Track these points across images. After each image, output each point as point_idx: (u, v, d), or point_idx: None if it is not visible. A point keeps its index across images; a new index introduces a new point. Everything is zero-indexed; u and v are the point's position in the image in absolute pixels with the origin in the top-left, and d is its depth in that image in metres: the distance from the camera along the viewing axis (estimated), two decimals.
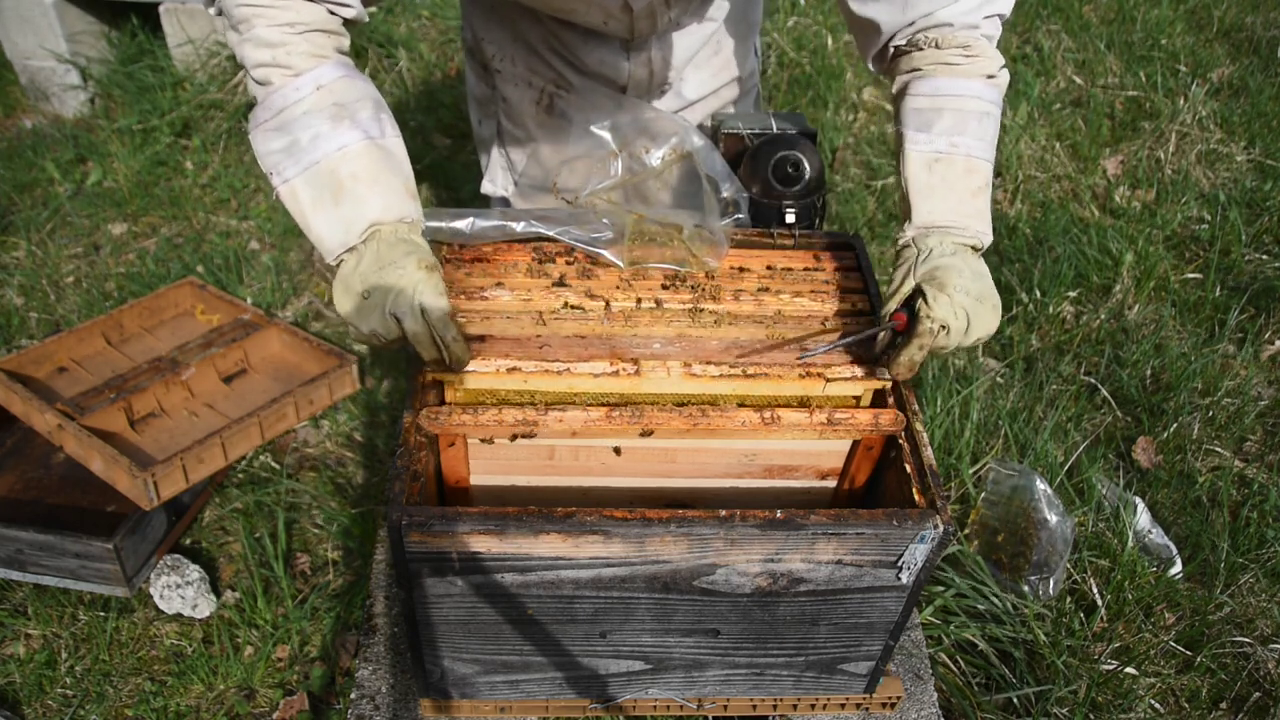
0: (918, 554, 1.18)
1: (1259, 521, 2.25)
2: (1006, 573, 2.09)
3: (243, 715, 1.92)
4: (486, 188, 1.92)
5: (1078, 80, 4.00)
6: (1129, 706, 1.88)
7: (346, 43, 1.25)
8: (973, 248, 1.27)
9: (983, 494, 2.18)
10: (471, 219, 1.40)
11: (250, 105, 3.74)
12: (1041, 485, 2.10)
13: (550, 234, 1.41)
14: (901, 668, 1.63)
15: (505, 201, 1.90)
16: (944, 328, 1.19)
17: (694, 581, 1.20)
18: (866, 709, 1.49)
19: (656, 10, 1.55)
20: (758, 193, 1.55)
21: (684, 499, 1.40)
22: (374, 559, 1.80)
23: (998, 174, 3.51)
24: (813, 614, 1.27)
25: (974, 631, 1.98)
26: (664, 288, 1.41)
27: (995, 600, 2.02)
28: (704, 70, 1.78)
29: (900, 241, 1.29)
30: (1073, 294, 2.95)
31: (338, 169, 1.17)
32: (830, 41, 4.05)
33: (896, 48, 1.36)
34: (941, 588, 2.04)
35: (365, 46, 3.89)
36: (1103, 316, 2.87)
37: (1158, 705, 1.91)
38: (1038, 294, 2.92)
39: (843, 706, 1.47)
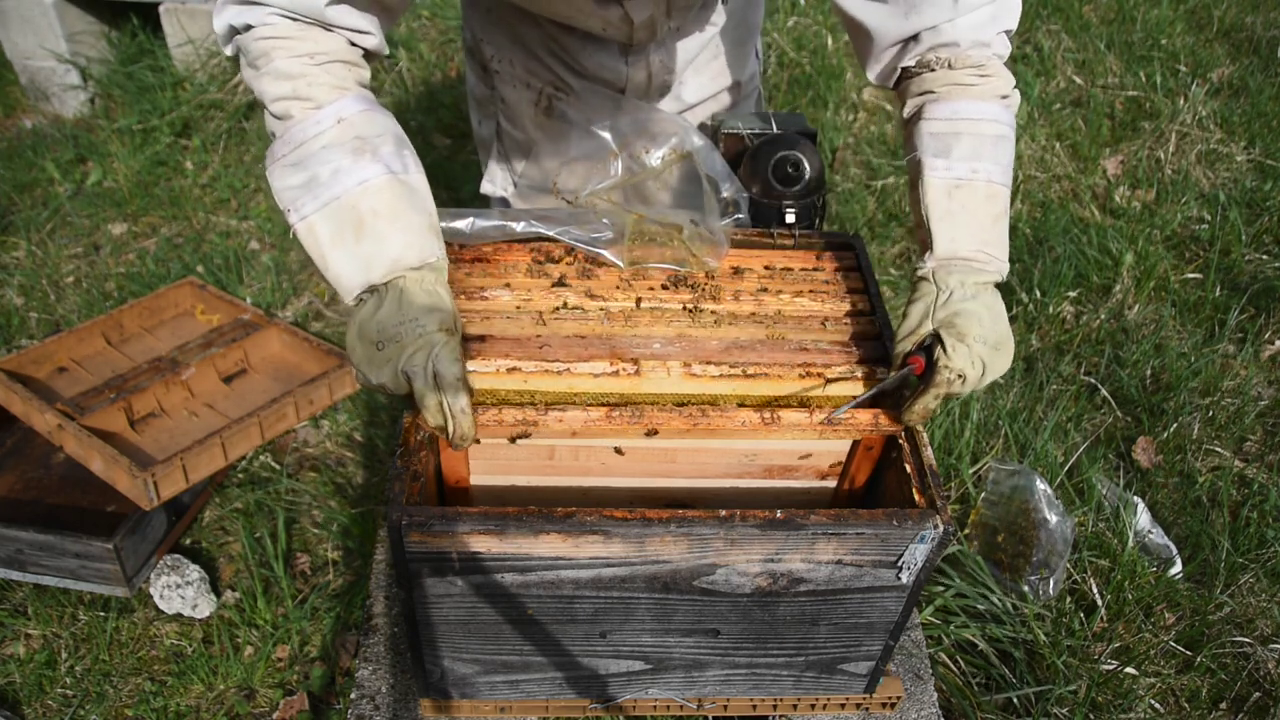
0: (918, 554, 1.18)
1: (1259, 521, 2.25)
2: (1006, 573, 2.09)
3: (243, 715, 1.92)
4: (486, 188, 1.91)
5: (1078, 80, 4.00)
6: (1129, 706, 1.88)
7: (367, 75, 1.22)
8: (992, 283, 1.23)
9: (983, 494, 2.18)
10: (471, 219, 1.40)
11: (251, 105, 3.75)
12: (1041, 485, 2.10)
13: (550, 234, 1.41)
14: (901, 668, 1.63)
15: (505, 202, 1.90)
16: (961, 377, 1.16)
17: (694, 581, 1.19)
18: (866, 709, 1.49)
19: (657, 21, 1.55)
20: (758, 193, 1.55)
21: (684, 499, 1.40)
22: (374, 559, 1.80)
23: None
24: (813, 614, 1.27)
25: (974, 631, 1.98)
26: (664, 288, 1.41)
27: (995, 600, 2.02)
28: (703, 74, 1.78)
29: (919, 272, 1.24)
30: (1073, 294, 2.95)
31: (359, 204, 1.13)
32: (830, 41, 4.05)
33: (905, 69, 1.31)
34: (941, 588, 2.04)
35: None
36: (1103, 316, 2.87)
37: (1158, 705, 1.91)
38: (1038, 294, 2.92)
39: (843, 706, 1.47)
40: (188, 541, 2.25)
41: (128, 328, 2.63)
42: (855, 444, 1.32)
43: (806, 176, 1.53)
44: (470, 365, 1.25)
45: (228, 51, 1.19)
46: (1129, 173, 3.56)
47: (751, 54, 1.86)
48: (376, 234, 1.13)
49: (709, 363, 1.30)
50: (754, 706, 1.45)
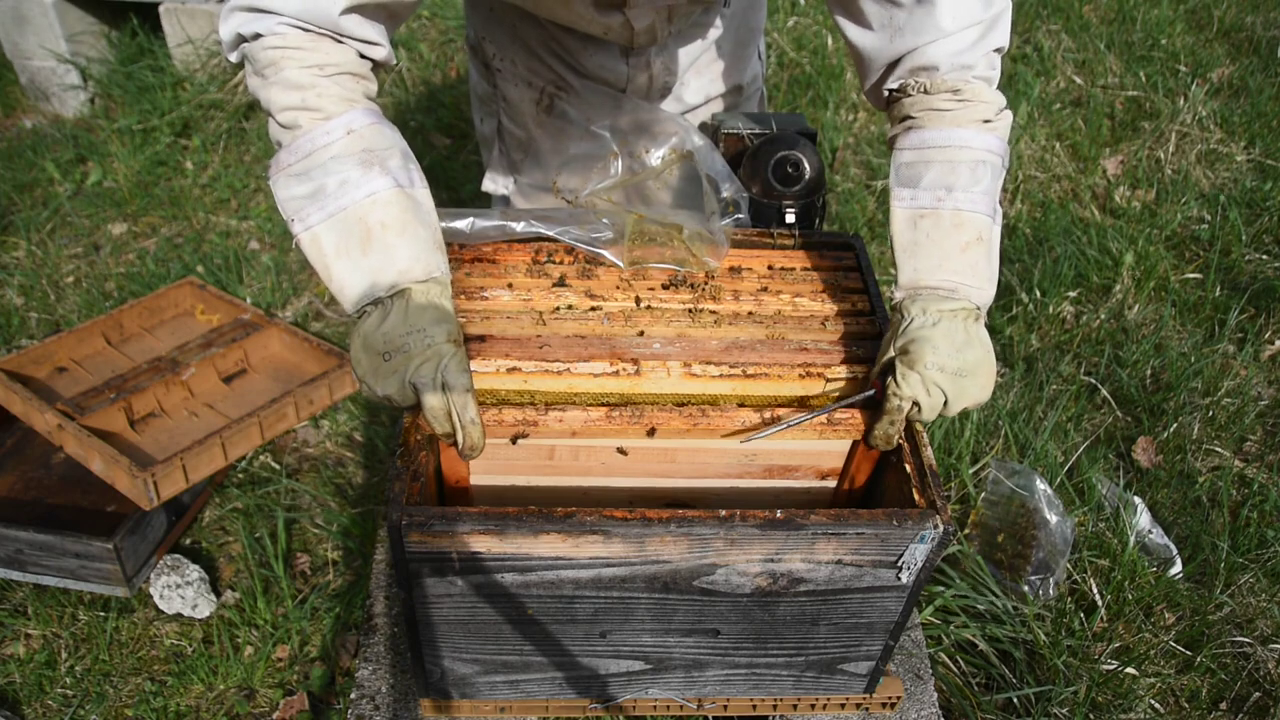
0: (918, 554, 1.18)
1: (1259, 521, 2.25)
2: (1006, 573, 2.09)
3: (243, 715, 1.92)
4: (488, 186, 1.92)
5: (1078, 80, 4.00)
6: (1129, 706, 1.88)
7: (374, 88, 1.22)
8: (966, 310, 1.20)
9: (983, 494, 2.18)
10: (471, 219, 1.40)
11: (252, 106, 3.75)
12: (1041, 485, 2.10)
13: (550, 234, 1.41)
14: (901, 668, 1.63)
15: (506, 200, 1.90)
16: (915, 405, 1.17)
17: (694, 581, 1.19)
18: (866, 709, 1.49)
19: (658, 27, 1.55)
20: (758, 193, 1.55)
21: (684, 499, 1.40)
22: (374, 559, 1.80)
23: None
24: (813, 614, 1.27)
25: (974, 631, 1.98)
26: (664, 288, 1.41)
27: (995, 600, 2.02)
28: (705, 75, 1.78)
29: (892, 302, 1.25)
30: (1073, 294, 2.95)
31: (367, 216, 1.12)
32: (830, 41, 4.05)
33: (890, 92, 1.30)
34: (941, 588, 2.04)
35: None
36: (1103, 316, 2.87)
37: (1158, 705, 1.91)
38: (1038, 294, 2.92)
39: (843, 706, 1.47)
40: (188, 541, 2.25)
41: (128, 328, 2.63)
42: (855, 444, 1.32)
43: (806, 176, 1.53)
44: (470, 365, 1.25)
45: (232, 58, 1.18)
46: (1129, 173, 3.56)
47: (754, 55, 1.86)
48: (384, 246, 1.12)
49: (709, 363, 1.30)
50: (754, 706, 1.45)
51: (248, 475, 2.41)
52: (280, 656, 2.02)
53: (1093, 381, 2.63)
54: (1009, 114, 1.27)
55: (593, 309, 1.36)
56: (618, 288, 1.40)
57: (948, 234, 1.21)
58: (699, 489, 1.39)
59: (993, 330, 2.87)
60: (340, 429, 2.53)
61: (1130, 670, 1.92)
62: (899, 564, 1.19)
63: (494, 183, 1.90)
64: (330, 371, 2.45)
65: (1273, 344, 2.80)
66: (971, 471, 2.31)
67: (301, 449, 2.49)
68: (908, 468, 1.22)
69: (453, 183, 3.45)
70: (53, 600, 2.09)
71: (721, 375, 1.28)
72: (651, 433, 1.23)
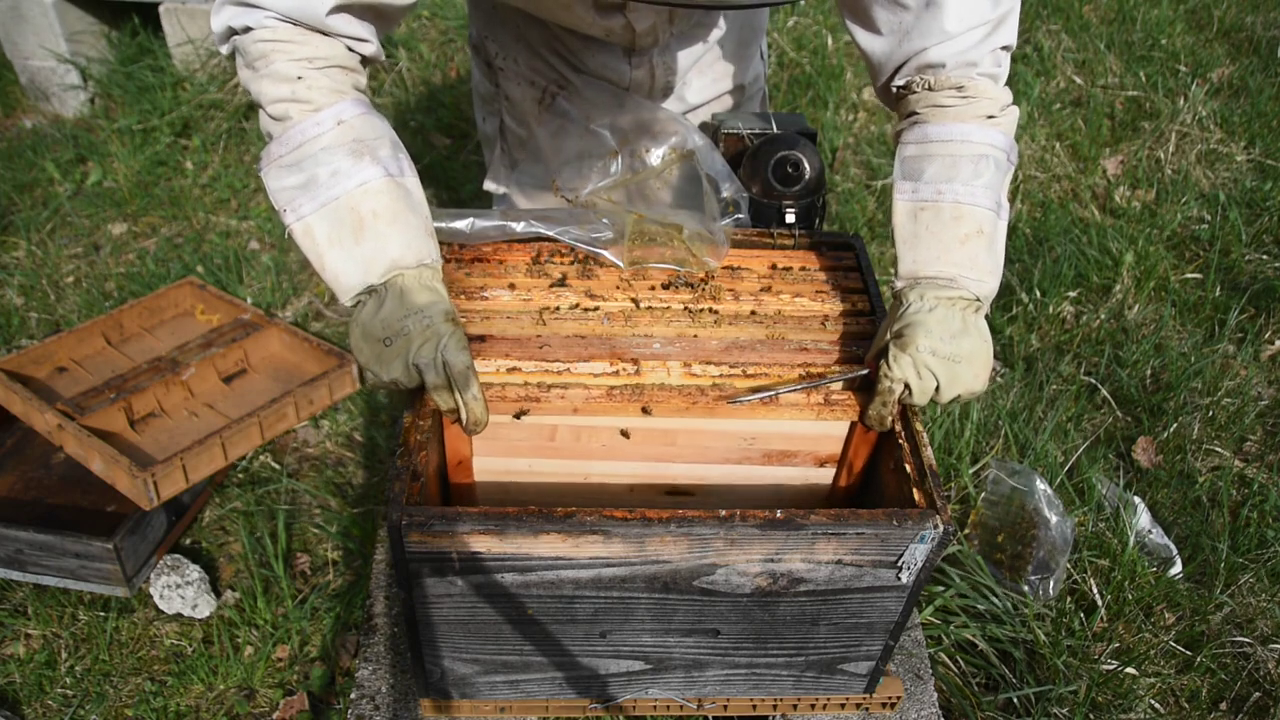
0: (918, 554, 1.18)
1: (1259, 521, 2.25)
2: (1006, 573, 2.09)
3: (243, 715, 1.92)
4: (489, 185, 1.92)
5: (1078, 80, 4.00)
6: (1129, 706, 1.88)
7: (364, 80, 1.23)
8: (965, 300, 1.22)
9: (983, 494, 2.18)
10: (471, 219, 1.40)
11: (251, 107, 3.75)
12: (1041, 485, 2.10)
13: (550, 234, 1.41)
14: (901, 668, 1.63)
15: (508, 199, 1.91)
16: (906, 387, 1.19)
17: (694, 581, 1.20)
18: (866, 709, 1.49)
19: (659, 28, 1.55)
20: (758, 193, 1.55)
21: (684, 485, 1.41)
22: (374, 559, 1.80)
23: None
24: (813, 614, 1.27)
25: (974, 631, 1.98)
26: (664, 288, 1.41)
27: (995, 600, 2.02)
28: (706, 75, 1.78)
29: (892, 292, 1.28)
30: (1073, 294, 2.95)
31: (359, 205, 1.14)
32: (830, 41, 4.05)
33: (898, 89, 1.32)
34: (941, 588, 2.04)
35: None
36: (1103, 316, 2.87)
37: (1158, 705, 1.91)
38: (1038, 294, 2.92)
39: (843, 706, 1.47)
40: (188, 541, 2.25)
41: (128, 328, 2.63)
42: (853, 426, 1.32)
43: (806, 176, 1.53)
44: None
45: (224, 51, 1.19)
46: (1129, 173, 3.56)
47: (756, 55, 1.86)
48: (376, 235, 1.14)
49: (709, 363, 1.30)
50: (754, 706, 1.45)
51: (248, 475, 2.41)
52: (280, 656, 2.02)
53: (1093, 381, 2.63)
54: (1015, 110, 1.28)
55: (593, 309, 1.36)
56: (618, 288, 1.40)
57: (947, 226, 1.22)
58: (699, 475, 1.40)
59: (993, 330, 2.86)
60: (340, 429, 2.53)
61: (1130, 670, 1.92)
62: (899, 564, 1.19)
63: (496, 182, 1.90)
64: (330, 371, 2.45)
65: (1273, 344, 2.80)
66: (971, 471, 2.31)
67: (301, 449, 2.49)
68: (908, 468, 1.22)
69: (453, 183, 3.45)
70: (53, 600, 2.09)
71: (721, 375, 1.29)
72: (647, 411, 1.24)
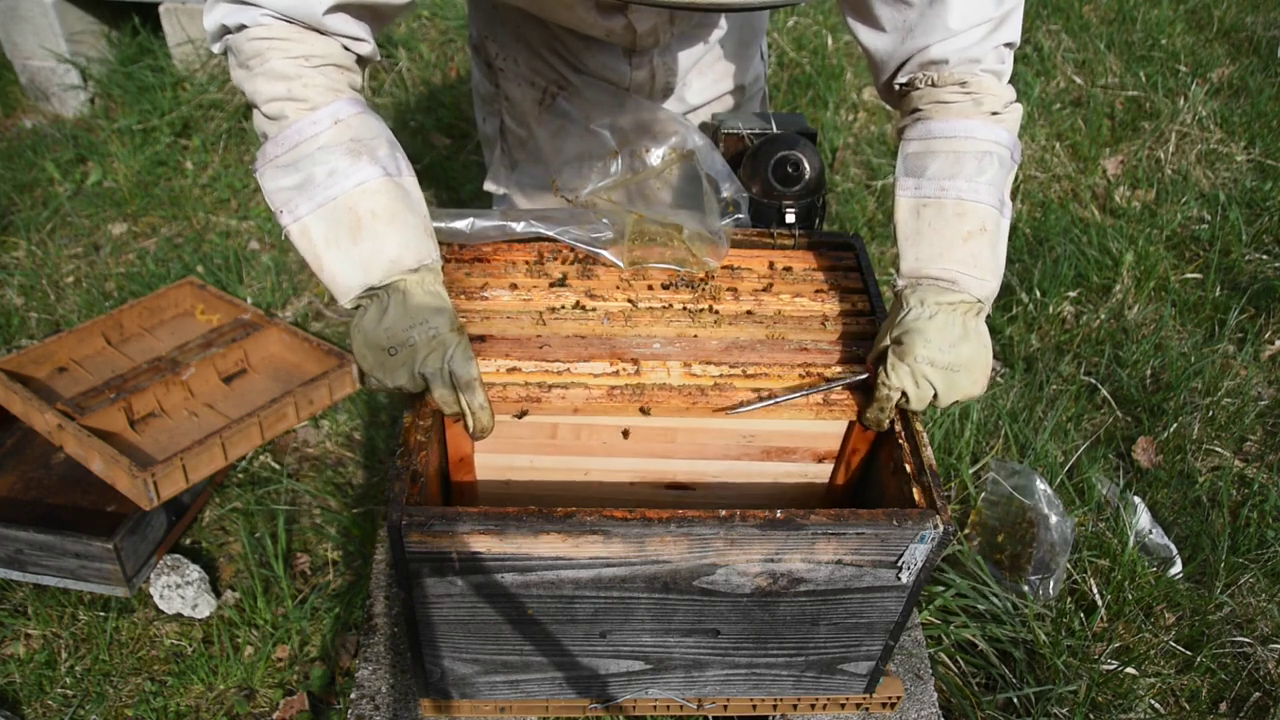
0: (918, 554, 1.18)
1: (1259, 521, 2.25)
2: (1006, 573, 2.09)
3: (243, 715, 1.92)
4: (489, 185, 1.92)
5: (1078, 80, 4.00)
6: (1129, 706, 1.88)
7: (359, 79, 1.22)
8: (966, 304, 1.20)
9: (983, 494, 2.18)
10: (471, 219, 1.40)
11: (250, 109, 3.74)
12: (1041, 485, 2.10)
13: (550, 234, 1.41)
14: (901, 668, 1.63)
15: (508, 199, 1.90)
16: (903, 395, 1.19)
17: (694, 581, 1.20)
18: (866, 709, 1.49)
19: (660, 29, 1.55)
20: (758, 193, 1.55)
21: (684, 481, 1.41)
22: (374, 559, 1.80)
23: None
24: (813, 614, 1.27)
25: (974, 631, 1.98)
26: (664, 288, 1.41)
27: (995, 600, 2.02)
28: (707, 75, 1.78)
29: (894, 290, 1.26)
30: (1073, 294, 2.95)
31: (357, 205, 1.12)
32: (830, 41, 4.05)
33: (900, 86, 1.31)
34: (941, 588, 2.04)
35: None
36: (1103, 316, 2.87)
37: (1158, 705, 1.91)
38: (1038, 294, 2.92)
39: (843, 706, 1.47)
40: (188, 541, 2.25)
41: (128, 328, 2.63)
42: (851, 425, 1.32)
43: (806, 176, 1.53)
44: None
45: (216, 49, 1.18)
46: (1129, 173, 3.56)
47: (756, 56, 1.86)
48: (374, 235, 1.13)
49: (709, 363, 1.30)
50: (754, 706, 1.45)
51: (248, 475, 2.41)
52: (280, 656, 2.02)
53: (1093, 381, 2.63)
54: (1019, 108, 1.27)
55: (593, 309, 1.36)
56: (618, 288, 1.40)
57: (950, 223, 1.21)
58: (699, 471, 1.40)
59: (993, 330, 2.87)
60: (340, 429, 2.53)
61: (1130, 670, 1.92)
62: (899, 564, 1.19)
63: (496, 182, 1.90)
64: (330, 371, 2.45)
65: (1273, 344, 2.80)
66: (971, 471, 2.31)
67: (301, 449, 2.49)
68: (908, 468, 1.22)
69: (453, 183, 3.45)
70: (53, 600, 2.09)
71: (721, 375, 1.29)
72: (645, 410, 1.24)
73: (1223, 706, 1.95)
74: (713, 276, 1.43)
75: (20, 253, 3.18)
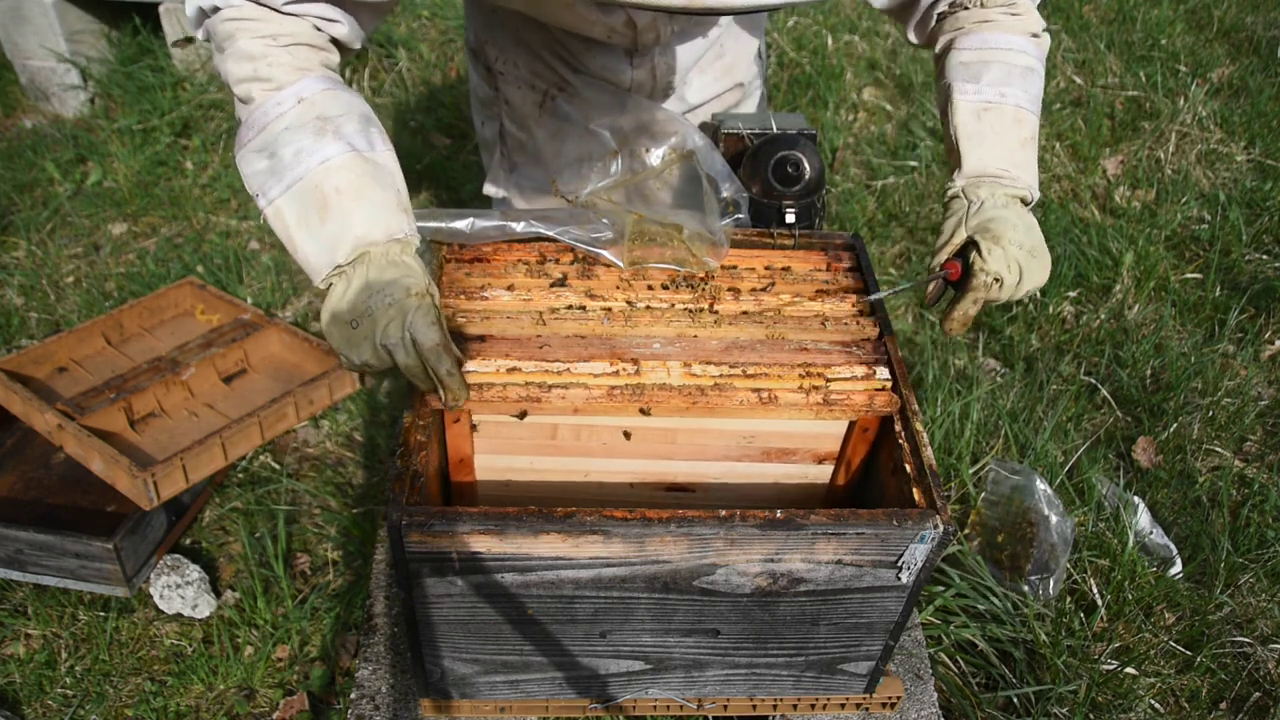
0: (918, 554, 1.18)
1: (1259, 521, 2.25)
2: (1006, 573, 2.09)
3: (243, 715, 1.92)
4: (489, 189, 1.91)
5: (1078, 80, 4.00)
6: (1129, 706, 1.88)
7: (335, 59, 1.20)
8: (1022, 200, 1.26)
9: (983, 494, 2.18)
10: (471, 219, 1.40)
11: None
12: (1041, 485, 2.10)
13: (550, 234, 1.41)
14: (901, 668, 1.63)
15: (508, 203, 1.90)
16: (998, 280, 1.20)
17: (694, 581, 1.19)
18: (866, 709, 1.49)
19: (660, 26, 1.55)
20: (758, 193, 1.55)
21: (684, 482, 1.41)
22: (374, 559, 1.80)
23: None
24: (813, 614, 1.27)
25: (974, 631, 1.98)
26: (664, 288, 1.41)
27: (995, 600, 2.02)
28: (707, 75, 1.78)
29: (949, 192, 1.29)
30: (1073, 294, 2.95)
31: (322, 184, 1.10)
32: (830, 41, 4.05)
33: (940, 14, 1.37)
34: (941, 588, 2.04)
35: (365, 47, 3.89)
36: (1103, 316, 2.87)
37: (1158, 705, 1.91)
38: (1038, 294, 2.92)
39: (843, 706, 1.47)
40: (188, 541, 2.25)
41: (128, 328, 2.63)
42: (851, 425, 1.32)
43: (806, 176, 1.53)
44: (470, 365, 1.25)
45: (199, 36, 1.18)
46: (1129, 173, 3.56)
47: (756, 55, 1.86)
48: (341, 213, 1.10)
49: (709, 363, 1.30)
50: (754, 706, 1.45)
51: (248, 475, 2.41)
52: (280, 656, 2.02)
53: (1093, 381, 2.63)
54: (1049, 36, 1.36)
55: (593, 309, 1.36)
56: (618, 288, 1.40)
57: (1009, 128, 1.28)
58: (699, 472, 1.40)
59: (993, 330, 2.87)
60: (340, 429, 2.53)
61: (1130, 670, 1.92)
62: (899, 564, 1.19)
63: (495, 185, 1.90)
64: (330, 371, 2.45)
65: (1273, 344, 2.80)
66: (971, 471, 2.31)
67: (301, 449, 2.49)
68: (908, 468, 1.22)
69: (453, 183, 3.45)
70: (53, 600, 2.09)
71: (721, 375, 1.28)
72: (646, 411, 1.24)
73: (1223, 706, 1.95)
74: (713, 276, 1.43)
75: (20, 253, 3.18)
